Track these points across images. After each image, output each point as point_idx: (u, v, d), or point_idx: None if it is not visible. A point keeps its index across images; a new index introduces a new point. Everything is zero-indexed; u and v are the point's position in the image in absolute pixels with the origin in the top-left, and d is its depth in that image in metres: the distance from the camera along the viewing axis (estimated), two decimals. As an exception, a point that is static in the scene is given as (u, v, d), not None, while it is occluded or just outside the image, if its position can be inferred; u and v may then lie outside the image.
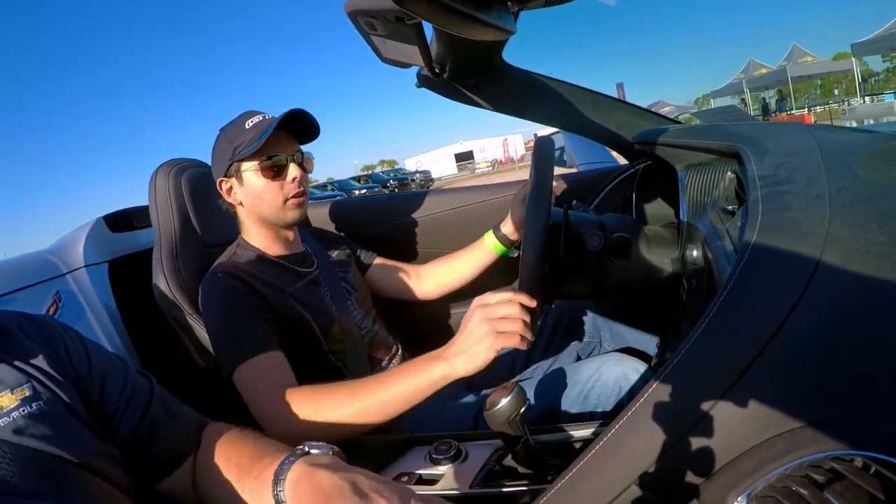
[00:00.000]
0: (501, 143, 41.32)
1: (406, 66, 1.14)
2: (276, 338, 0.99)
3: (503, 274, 1.43)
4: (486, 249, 1.29)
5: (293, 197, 1.08)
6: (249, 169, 1.06)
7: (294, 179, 1.07)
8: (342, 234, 1.42)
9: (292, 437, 0.81)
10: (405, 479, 0.82)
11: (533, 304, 0.77)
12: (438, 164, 42.63)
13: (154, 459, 0.69)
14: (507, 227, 1.26)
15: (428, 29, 0.96)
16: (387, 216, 1.63)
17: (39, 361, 0.63)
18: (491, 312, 0.77)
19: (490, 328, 0.76)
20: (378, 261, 1.37)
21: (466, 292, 1.62)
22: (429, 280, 1.35)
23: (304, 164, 1.11)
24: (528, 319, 0.77)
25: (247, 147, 1.03)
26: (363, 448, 0.89)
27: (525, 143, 41.49)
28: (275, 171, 1.06)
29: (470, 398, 1.07)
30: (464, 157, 41.64)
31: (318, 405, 0.87)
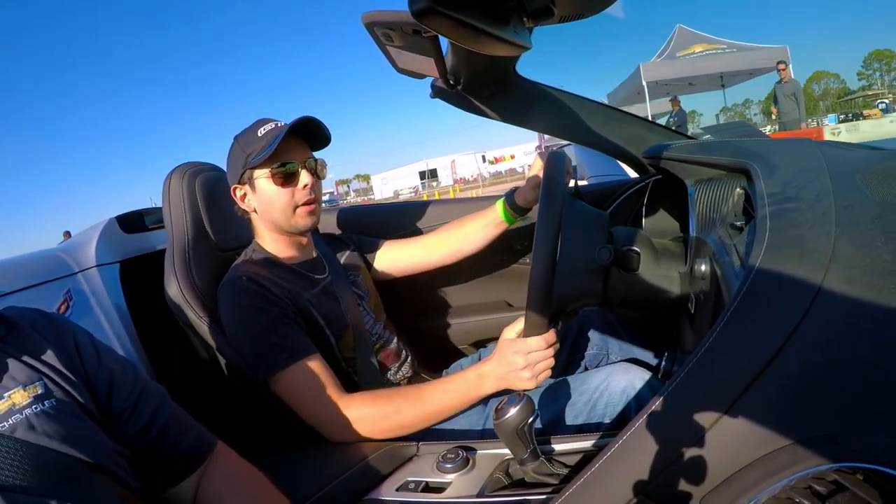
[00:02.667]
0: (450, 163, 39.32)
1: (421, 76, 1.16)
2: (311, 341, 1.02)
3: (507, 251, 1.57)
4: (495, 217, 1.31)
5: (304, 204, 1.09)
6: (262, 176, 1.07)
7: (305, 186, 1.08)
8: (349, 234, 1.42)
9: (347, 437, 0.95)
10: (412, 486, 0.82)
11: (554, 338, 0.89)
12: (403, 181, 42.19)
13: (161, 466, 0.69)
14: (520, 198, 1.27)
15: (443, 41, 0.98)
16: (396, 224, 1.65)
17: (51, 359, 0.64)
18: (531, 359, 0.88)
19: (531, 374, 0.88)
20: (385, 244, 1.38)
21: (470, 286, 1.65)
22: (436, 249, 1.37)
23: (318, 171, 1.12)
24: (552, 353, 0.89)
25: (258, 154, 1.04)
26: (372, 454, 0.89)
27: (492, 159, 40.36)
28: (286, 178, 1.07)
29: (477, 407, 1.07)
30: (428, 176, 40.97)
31: (384, 410, 0.95)
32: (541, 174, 1.07)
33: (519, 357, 0.88)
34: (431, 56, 1.00)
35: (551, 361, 0.89)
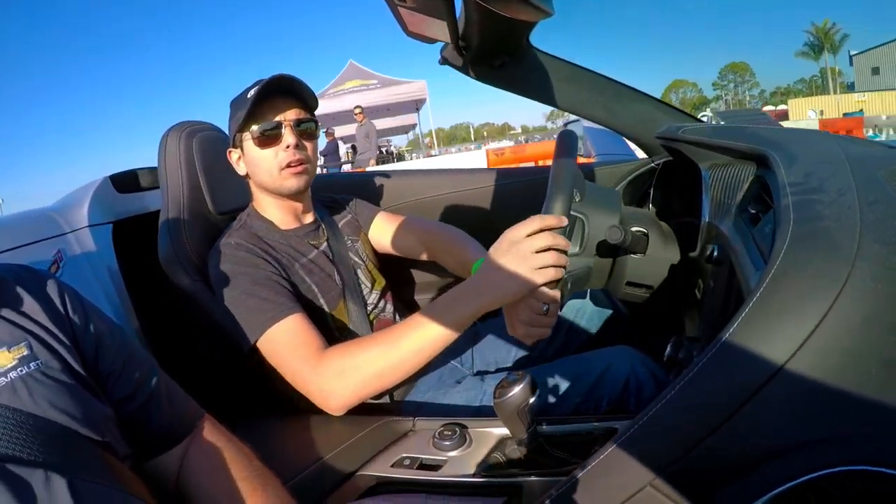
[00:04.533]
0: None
1: (431, 41, 1.11)
2: (297, 302, 0.98)
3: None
4: (466, 266, 1.15)
5: (289, 165, 1.04)
6: (248, 138, 1.04)
7: (288, 147, 1.03)
8: (350, 196, 1.38)
9: (329, 394, 0.87)
10: (408, 462, 0.81)
11: (564, 222, 0.77)
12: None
13: (146, 435, 0.67)
14: None
15: (457, 4, 0.93)
16: (408, 191, 1.65)
17: (38, 317, 0.61)
18: (526, 248, 0.76)
19: (527, 265, 0.75)
20: (380, 219, 1.32)
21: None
22: (419, 248, 1.27)
23: (308, 131, 1.07)
24: (562, 244, 0.77)
25: (242, 116, 1.01)
26: (365, 431, 0.89)
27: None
28: (268, 139, 1.03)
29: (475, 384, 1.06)
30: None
31: (355, 360, 0.87)
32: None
33: (512, 246, 0.76)
34: (444, 19, 0.95)
35: (556, 256, 0.76)
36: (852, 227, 0.57)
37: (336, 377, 0.87)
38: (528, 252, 0.76)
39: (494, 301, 0.80)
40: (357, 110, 9.82)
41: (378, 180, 1.70)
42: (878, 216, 0.59)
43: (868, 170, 0.70)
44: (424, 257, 1.27)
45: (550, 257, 0.76)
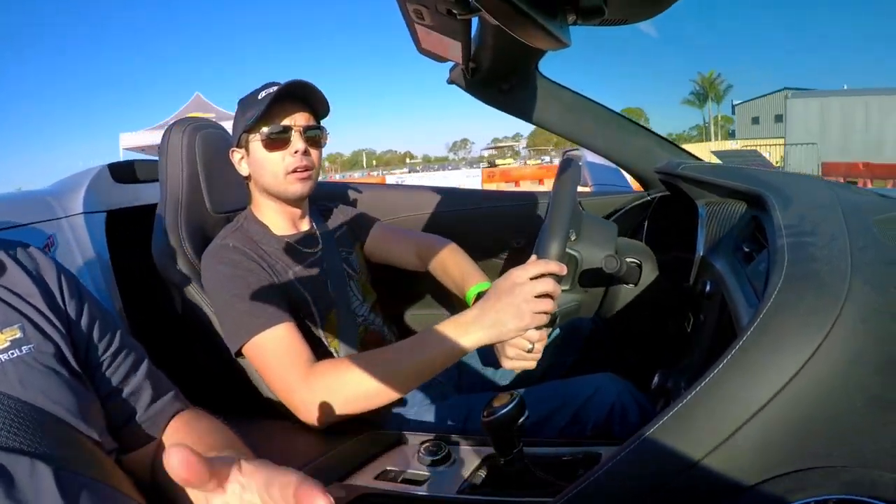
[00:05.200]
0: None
1: (442, 60, 1.13)
2: (288, 310, 0.97)
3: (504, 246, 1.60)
4: (459, 292, 1.17)
5: (295, 171, 1.05)
6: (255, 140, 1.04)
7: (297, 152, 1.03)
8: (349, 206, 1.38)
9: (313, 407, 0.86)
10: (391, 475, 0.81)
11: (564, 271, 0.81)
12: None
13: (133, 426, 0.65)
14: None
15: (472, 27, 0.96)
16: (407, 206, 1.65)
17: (33, 299, 0.59)
18: (528, 291, 0.79)
19: (527, 308, 0.78)
20: (377, 230, 1.32)
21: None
22: (415, 261, 1.27)
23: (315, 139, 1.07)
24: (559, 292, 0.81)
25: (253, 117, 1.01)
26: (349, 441, 0.88)
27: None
28: (277, 143, 1.03)
29: (460, 400, 1.06)
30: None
31: (346, 378, 0.86)
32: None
33: (517, 284, 0.79)
34: (460, 39, 0.97)
35: (550, 303, 0.80)
36: (843, 270, 0.59)
37: (324, 392, 0.86)
38: (530, 295, 0.79)
39: (493, 337, 0.82)
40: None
41: (376, 193, 1.71)
42: (868, 261, 0.62)
43: (860, 216, 0.73)
44: (420, 269, 1.27)
45: (548, 304, 0.80)
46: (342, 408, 0.86)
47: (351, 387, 0.86)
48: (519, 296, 0.79)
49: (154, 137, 12.54)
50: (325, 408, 0.85)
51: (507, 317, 0.79)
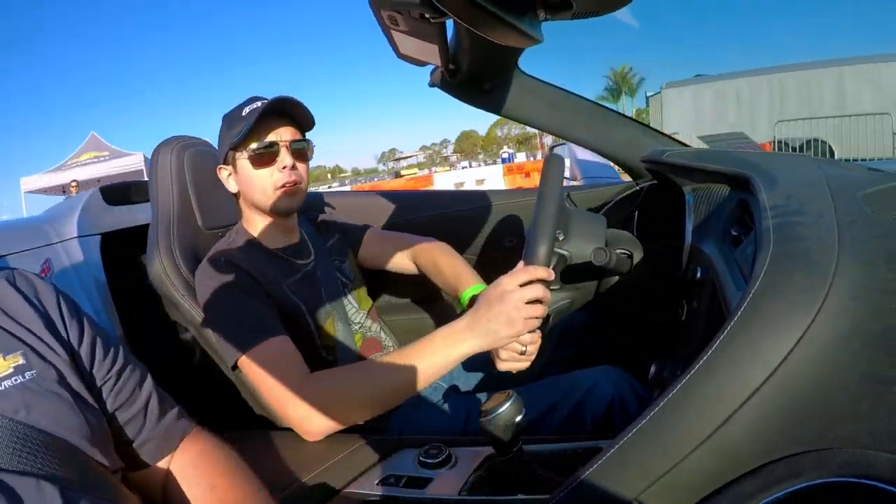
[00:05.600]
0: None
1: (422, 64, 1.13)
2: (282, 323, 0.98)
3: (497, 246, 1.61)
4: (452, 293, 1.18)
5: (283, 185, 1.05)
6: (242, 157, 1.04)
7: (284, 168, 1.04)
8: (339, 218, 1.39)
9: (309, 418, 0.86)
10: (393, 480, 0.81)
11: (551, 276, 0.83)
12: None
13: (138, 445, 0.67)
14: None
15: (447, 29, 0.96)
16: (399, 210, 1.66)
17: (34, 325, 0.60)
18: (518, 299, 0.81)
19: (518, 315, 0.81)
20: (370, 236, 1.32)
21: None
22: (409, 265, 1.29)
23: (302, 153, 1.08)
24: (548, 296, 0.83)
25: (238, 134, 1.02)
26: (350, 449, 0.88)
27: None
28: (264, 159, 1.03)
29: (459, 402, 1.06)
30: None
31: (341, 388, 0.88)
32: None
33: (507, 292, 0.81)
34: (436, 42, 0.97)
35: (540, 307, 0.82)
36: (831, 247, 0.59)
37: (319, 402, 0.86)
38: (520, 303, 0.81)
39: (486, 345, 0.84)
40: (73, 184, 9.77)
41: (366, 200, 1.72)
42: (857, 236, 0.61)
43: (848, 192, 0.72)
44: (414, 272, 1.28)
45: (538, 309, 0.82)
46: (337, 419, 0.87)
47: (346, 398, 0.87)
48: (509, 304, 0.81)
49: (55, 178, 12.31)
50: (319, 419, 0.86)
51: (498, 325, 0.82)
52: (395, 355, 0.88)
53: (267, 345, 0.92)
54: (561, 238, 0.95)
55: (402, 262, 1.28)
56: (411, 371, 0.85)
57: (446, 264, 1.20)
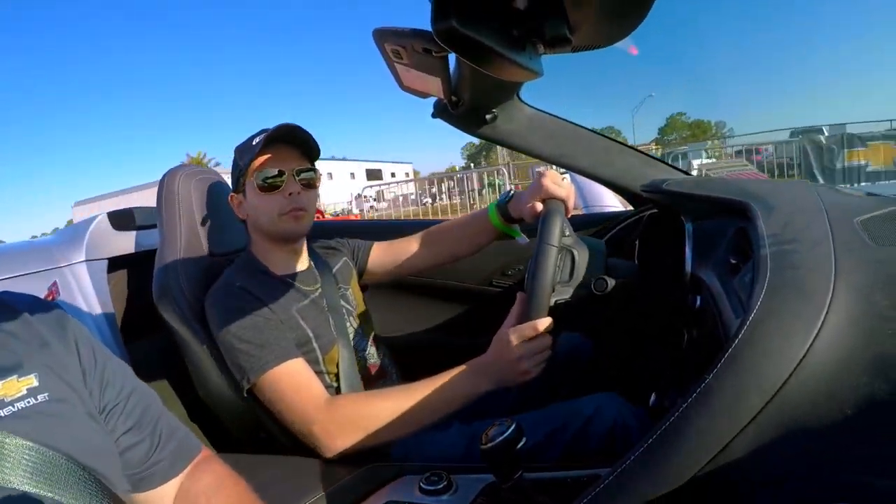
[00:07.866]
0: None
1: (425, 96, 1.16)
2: (295, 346, 1.01)
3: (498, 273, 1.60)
4: (485, 223, 1.26)
5: (288, 211, 1.07)
6: (251, 184, 1.07)
7: (290, 195, 1.06)
8: (343, 239, 1.40)
9: (335, 436, 0.94)
10: None
11: (552, 325, 0.91)
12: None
13: (147, 467, 0.67)
14: (514, 208, 1.20)
15: (449, 62, 0.99)
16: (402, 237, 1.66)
17: (45, 348, 0.61)
18: (525, 351, 0.91)
19: (529, 365, 0.91)
20: (377, 245, 1.37)
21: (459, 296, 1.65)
22: (426, 252, 1.33)
23: (308, 181, 1.10)
24: (550, 343, 0.93)
25: (247, 162, 1.05)
26: (352, 474, 0.88)
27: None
28: (270, 186, 1.06)
29: (461, 429, 1.06)
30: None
31: (368, 411, 0.95)
32: (540, 193, 1.07)
33: (516, 346, 0.90)
34: (439, 76, 1.00)
35: (547, 352, 0.92)
36: (827, 274, 0.59)
37: (348, 422, 0.93)
38: (528, 354, 0.91)
39: (499, 385, 0.95)
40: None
41: (370, 228, 1.73)
42: (853, 263, 0.61)
43: (845, 218, 0.73)
44: (432, 261, 1.33)
45: (544, 354, 0.93)
46: (359, 439, 0.93)
47: (370, 420, 0.93)
48: (516, 354, 0.91)
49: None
50: (343, 438, 0.93)
51: (509, 375, 0.93)
52: (426, 383, 0.96)
53: (287, 365, 0.97)
54: (560, 278, 0.97)
55: (417, 255, 1.33)
56: (439, 398, 0.94)
57: (452, 223, 1.34)
